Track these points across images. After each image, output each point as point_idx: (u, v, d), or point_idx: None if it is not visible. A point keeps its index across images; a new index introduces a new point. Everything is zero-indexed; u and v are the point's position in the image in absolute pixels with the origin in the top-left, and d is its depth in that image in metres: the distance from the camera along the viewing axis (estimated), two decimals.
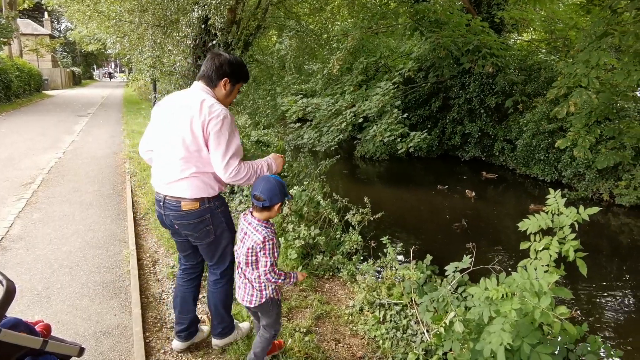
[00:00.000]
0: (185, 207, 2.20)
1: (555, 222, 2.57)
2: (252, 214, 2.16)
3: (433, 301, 2.57)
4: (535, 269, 2.12)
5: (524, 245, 2.75)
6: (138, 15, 5.49)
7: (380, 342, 3.25)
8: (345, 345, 3.17)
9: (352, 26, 11.81)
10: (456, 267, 2.52)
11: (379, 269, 4.63)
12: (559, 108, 5.49)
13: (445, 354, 3.07)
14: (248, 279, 2.18)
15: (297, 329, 3.11)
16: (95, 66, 55.84)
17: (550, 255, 2.51)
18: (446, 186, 10.13)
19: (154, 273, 3.71)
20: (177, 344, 2.67)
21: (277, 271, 2.10)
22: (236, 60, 2.27)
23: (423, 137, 9.04)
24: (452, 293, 2.53)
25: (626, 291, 5.54)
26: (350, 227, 4.79)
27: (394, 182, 11.37)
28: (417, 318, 3.67)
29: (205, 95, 2.17)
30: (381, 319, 3.62)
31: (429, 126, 13.10)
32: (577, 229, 2.33)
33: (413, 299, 3.74)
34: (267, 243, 2.03)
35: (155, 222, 4.84)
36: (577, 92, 5.10)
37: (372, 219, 4.66)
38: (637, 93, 8.14)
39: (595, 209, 2.38)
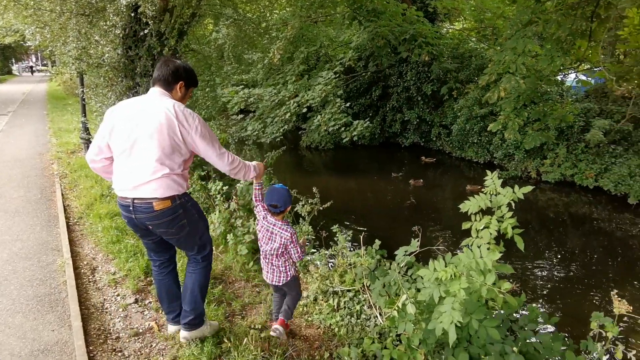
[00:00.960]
0: (157, 207, 2.24)
1: (493, 202, 2.73)
2: (270, 217, 2.64)
3: (385, 285, 2.63)
4: (479, 247, 2.22)
5: (465, 226, 2.89)
6: (59, 3, 5.01)
7: (336, 329, 3.28)
8: (302, 337, 3.17)
9: (290, 15, 11.67)
10: (405, 251, 2.59)
11: (332, 255, 4.69)
12: (490, 93, 5.80)
13: (398, 335, 3.19)
14: (276, 265, 2.69)
15: (252, 326, 3.06)
16: (14, 60, 50.74)
17: (491, 234, 2.68)
18: (400, 174, 10.45)
19: (93, 282, 3.46)
20: (182, 332, 2.69)
21: (304, 250, 2.74)
22: (188, 66, 2.44)
23: (366, 126, 9.20)
24: (402, 276, 2.60)
25: (555, 261, 6.05)
26: (301, 218, 4.78)
27: (341, 170, 11.52)
28: (369, 303, 3.76)
29: (172, 100, 2.28)
30: (335, 307, 3.66)
31: (370, 115, 13.36)
32: (513, 207, 2.49)
33: (365, 284, 3.82)
34: (293, 237, 2.61)
35: (91, 227, 4.52)
36: (507, 78, 5.41)
37: (321, 208, 4.67)
38: (558, 77, 8.81)
39: (528, 188, 2.55)
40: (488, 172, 2.86)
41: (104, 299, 3.21)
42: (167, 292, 2.66)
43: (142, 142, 2.19)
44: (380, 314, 3.51)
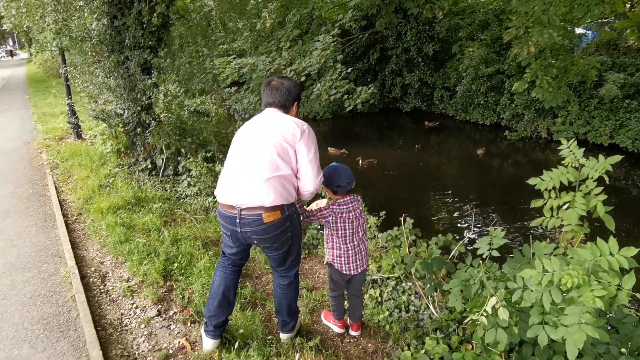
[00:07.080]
0: (267, 219, 2.07)
1: (576, 175, 2.30)
2: (341, 200, 2.38)
3: (465, 285, 2.22)
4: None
5: (535, 203, 2.46)
6: None
7: (387, 327, 2.93)
8: (352, 340, 2.81)
9: None
10: (490, 245, 2.16)
11: None
12: (519, 49, 5.28)
13: (456, 329, 2.83)
14: (365, 245, 2.54)
15: (298, 334, 2.67)
16: None
17: (578, 214, 2.26)
18: (419, 144, 9.76)
19: (105, 292, 3.00)
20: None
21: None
22: (294, 80, 2.41)
23: (370, 92, 8.59)
24: (485, 272, 2.19)
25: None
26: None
27: (341, 141, 11.02)
28: (415, 291, 3.40)
29: (286, 115, 2.25)
30: (379, 298, 3.31)
31: (368, 80, 12.73)
32: (606, 181, 2.12)
33: (412, 271, 3.44)
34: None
35: (93, 225, 4.01)
36: (538, 30, 4.88)
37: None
38: (582, 30, 8.27)
39: (617, 158, 2.13)
40: (563, 140, 2.42)
41: (122, 314, 2.76)
42: (225, 292, 2.32)
43: (259, 150, 2.10)
44: (432, 306, 3.15)
